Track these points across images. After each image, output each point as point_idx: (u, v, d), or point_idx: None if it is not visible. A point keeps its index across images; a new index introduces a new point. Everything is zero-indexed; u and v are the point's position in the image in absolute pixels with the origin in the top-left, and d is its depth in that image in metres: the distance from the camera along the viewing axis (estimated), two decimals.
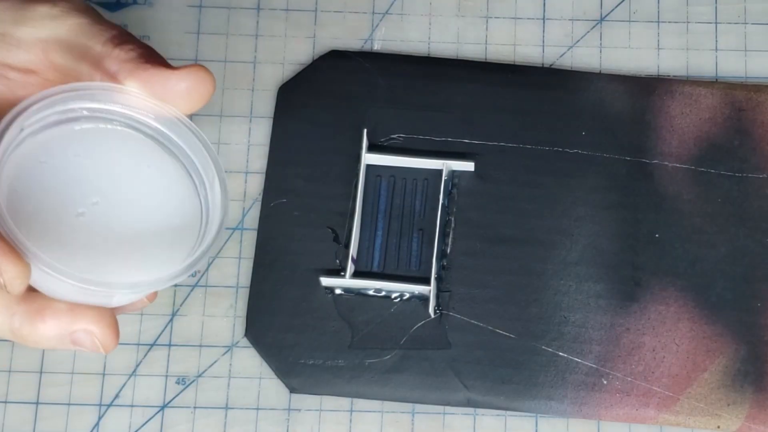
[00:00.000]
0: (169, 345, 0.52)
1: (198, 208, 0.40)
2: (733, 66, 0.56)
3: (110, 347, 0.39)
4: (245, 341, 0.52)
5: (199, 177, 0.40)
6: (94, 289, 0.36)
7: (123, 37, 0.38)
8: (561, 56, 0.56)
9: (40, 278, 0.37)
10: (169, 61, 0.39)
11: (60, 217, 0.38)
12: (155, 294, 0.42)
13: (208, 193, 0.40)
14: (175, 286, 0.53)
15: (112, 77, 0.38)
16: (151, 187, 0.40)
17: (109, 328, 0.38)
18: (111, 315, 0.39)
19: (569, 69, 0.56)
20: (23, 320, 0.38)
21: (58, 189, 0.38)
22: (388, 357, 0.51)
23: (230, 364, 0.52)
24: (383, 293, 0.52)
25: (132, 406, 0.51)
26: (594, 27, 0.57)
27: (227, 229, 0.54)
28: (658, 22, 0.57)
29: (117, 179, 0.39)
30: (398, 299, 0.52)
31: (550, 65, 0.56)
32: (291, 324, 0.52)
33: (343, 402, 0.51)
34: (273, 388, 0.52)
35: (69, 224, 0.38)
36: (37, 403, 0.51)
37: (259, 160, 0.55)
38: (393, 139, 0.54)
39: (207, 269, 0.53)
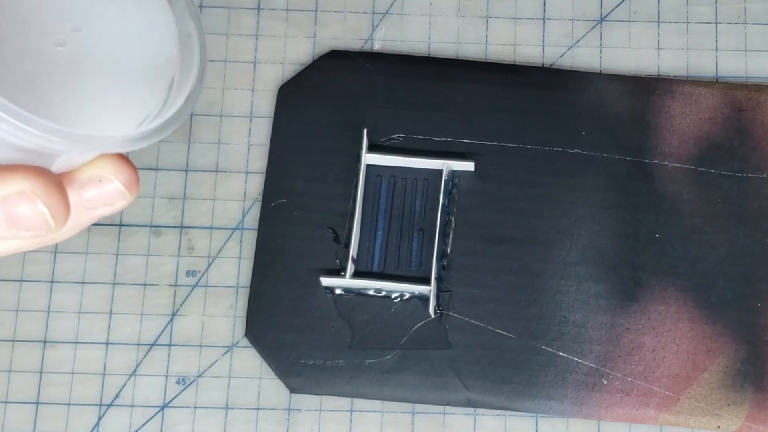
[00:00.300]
0: (170, 345, 0.52)
1: (173, 48, 0.31)
2: (733, 66, 0.56)
3: (62, 216, 0.28)
4: (245, 341, 0.52)
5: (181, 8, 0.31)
6: (52, 139, 0.26)
7: None
8: (561, 56, 0.56)
9: None
10: None
11: (28, 45, 0.28)
12: (136, 186, 0.31)
13: (183, 34, 0.31)
14: (175, 285, 0.53)
15: None
16: (128, 16, 0.30)
17: (56, 186, 0.28)
18: (54, 175, 0.28)
19: (569, 69, 0.56)
20: None
21: (19, 8, 0.29)
22: (388, 357, 0.51)
23: (230, 364, 0.52)
24: (383, 293, 0.52)
25: (132, 406, 0.51)
26: (594, 27, 0.57)
27: (227, 229, 0.54)
28: (658, 22, 0.57)
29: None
30: (398, 299, 0.52)
31: (550, 65, 0.56)
32: (291, 324, 0.52)
33: (343, 402, 0.51)
34: (273, 388, 0.52)
35: (40, 56, 0.28)
36: (37, 403, 0.51)
37: (259, 160, 0.55)
38: (393, 139, 0.54)
39: (207, 269, 0.53)
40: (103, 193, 0.30)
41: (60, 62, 0.29)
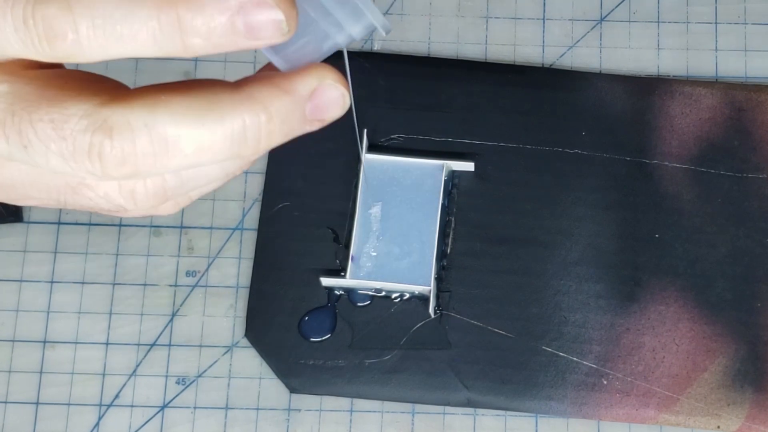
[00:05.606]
0: (169, 345, 0.52)
1: None
2: (733, 66, 0.56)
3: (294, 20, 0.30)
4: (245, 341, 0.52)
5: None
6: None
7: None
8: (561, 56, 0.56)
9: None
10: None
11: None
12: (347, 84, 0.34)
13: None
14: (175, 285, 0.53)
15: None
16: None
17: None
18: None
19: (569, 69, 0.56)
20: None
21: None
22: (388, 357, 0.51)
23: (230, 364, 0.52)
24: (383, 293, 0.52)
25: (132, 406, 0.51)
26: (594, 27, 0.57)
27: (227, 229, 0.54)
28: (658, 22, 0.57)
29: None
30: (398, 299, 0.52)
31: (550, 65, 0.56)
32: (291, 324, 0.52)
33: (343, 402, 0.51)
34: (273, 388, 0.52)
35: None
36: (37, 403, 0.51)
37: (259, 160, 0.54)
38: (393, 139, 0.54)
39: (207, 269, 0.53)
40: (325, 98, 0.34)
41: None
